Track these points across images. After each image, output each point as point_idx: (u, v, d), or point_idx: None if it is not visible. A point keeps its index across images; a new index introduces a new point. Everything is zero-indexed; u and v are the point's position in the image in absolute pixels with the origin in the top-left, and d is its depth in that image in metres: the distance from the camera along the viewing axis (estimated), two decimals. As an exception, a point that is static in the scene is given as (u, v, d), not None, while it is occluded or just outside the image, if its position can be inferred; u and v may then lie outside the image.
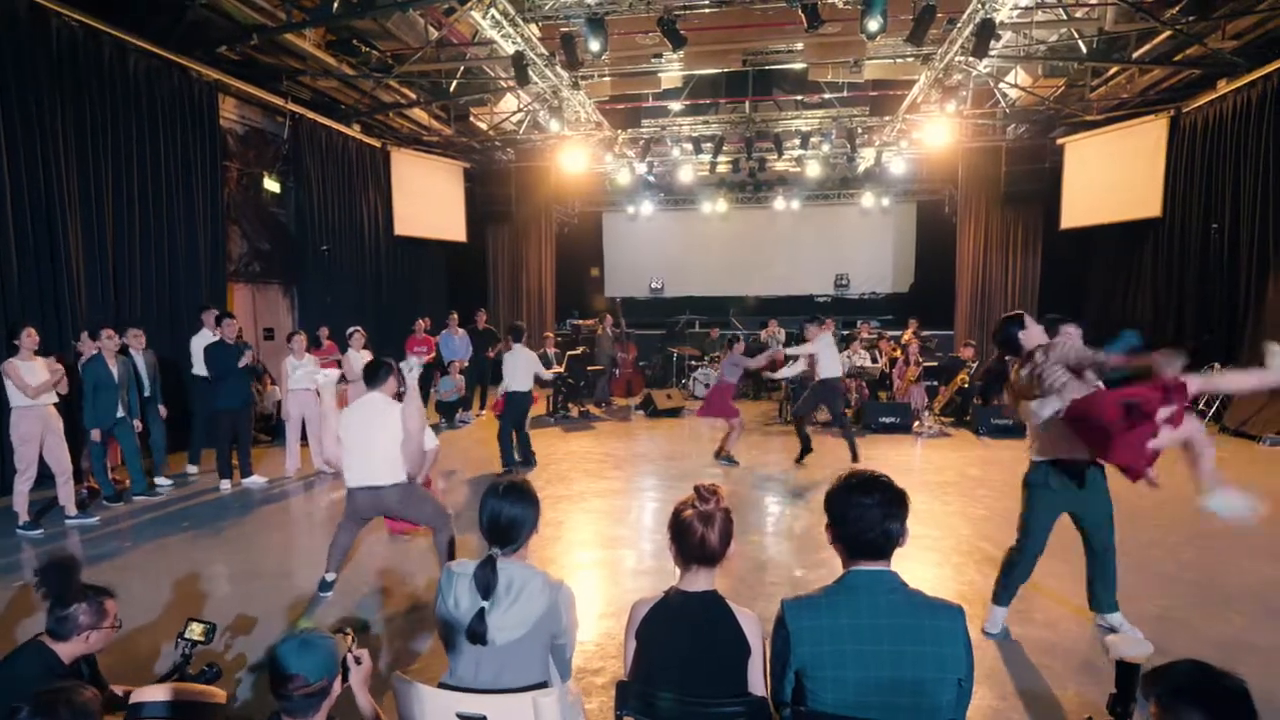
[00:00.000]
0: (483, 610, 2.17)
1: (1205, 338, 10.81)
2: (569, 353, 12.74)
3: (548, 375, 7.81)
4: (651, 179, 16.73)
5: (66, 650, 2.43)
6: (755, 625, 2.12)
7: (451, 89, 12.19)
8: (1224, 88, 10.42)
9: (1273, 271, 9.58)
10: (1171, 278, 11.68)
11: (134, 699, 2.42)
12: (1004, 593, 4.08)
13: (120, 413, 6.80)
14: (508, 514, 2.27)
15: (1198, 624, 4.14)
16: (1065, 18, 9.99)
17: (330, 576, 4.84)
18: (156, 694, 2.45)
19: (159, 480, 7.51)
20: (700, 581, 2.14)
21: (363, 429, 4.46)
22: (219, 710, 2.54)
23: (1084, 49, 10.46)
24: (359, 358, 8.61)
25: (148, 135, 8.53)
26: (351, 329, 8.94)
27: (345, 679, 2.04)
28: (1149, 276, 12.29)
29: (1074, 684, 3.55)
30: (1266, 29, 9.39)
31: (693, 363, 14.85)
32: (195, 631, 2.64)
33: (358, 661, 2.13)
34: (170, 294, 8.87)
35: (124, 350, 7.11)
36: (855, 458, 8.33)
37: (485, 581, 2.19)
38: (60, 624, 2.42)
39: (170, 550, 5.75)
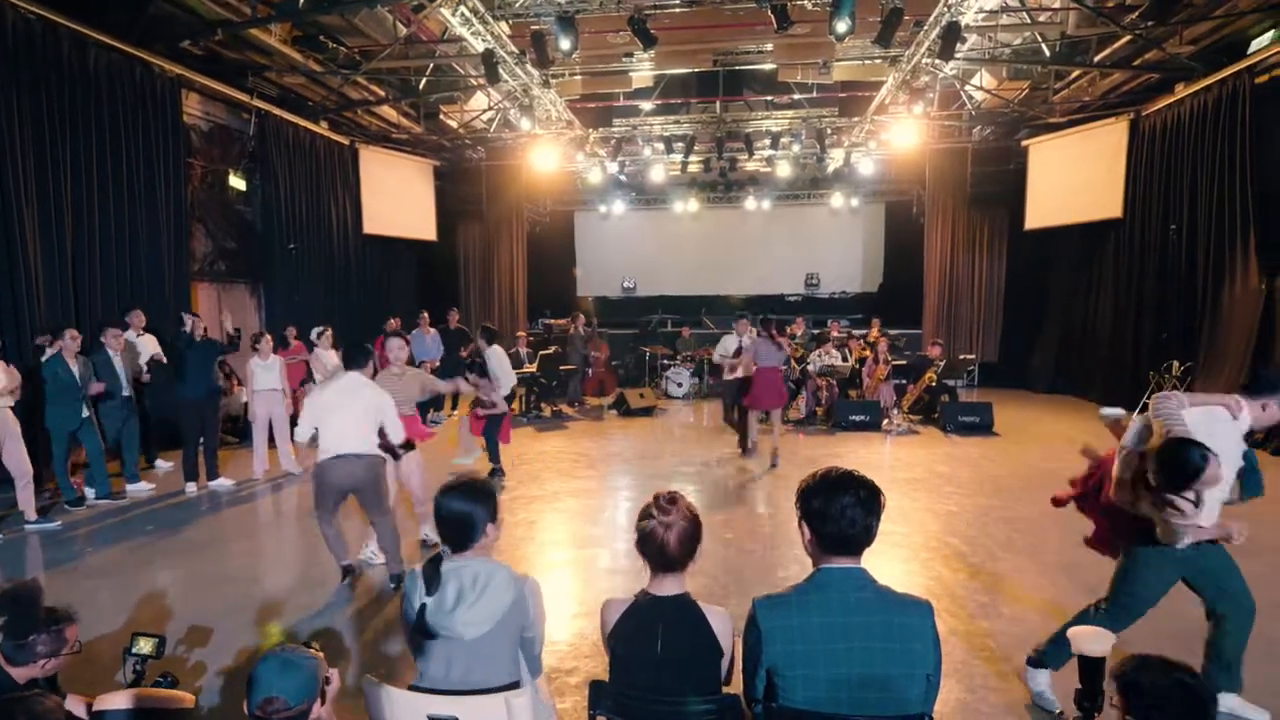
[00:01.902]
0: (424, 607, 2.19)
1: (1163, 337, 11.08)
2: (541, 352, 12.69)
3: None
4: (623, 178, 16.72)
5: (21, 673, 2.34)
6: (727, 624, 2.13)
7: (421, 86, 12.07)
8: (1181, 92, 10.68)
9: (1228, 273, 9.85)
10: (1131, 278, 11.95)
11: (97, 706, 2.37)
12: (1054, 657, 3.39)
13: (85, 413, 6.66)
14: (457, 512, 2.27)
15: (1155, 615, 4.23)
16: (1029, 21, 10.17)
17: (346, 562, 4.97)
18: (120, 701, 2.40)
19: (134, 486, 7.37)
20: (669, 586, 2.15)
21: (340, 401, 4.66)
22: (186, 715, 2.50)
23: (1047, 52, 10.66)
24: (327, 357, 8.51)
25: (108, 132, 8.33)
26: (320, 328, 8.84)
27: (324, 701, 1.95)
28: (1110, 277, 12.56)
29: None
30: (1222, 34, 9.65)
31: (665, 362, 14.88)
32: (144, 646, 2.55)
33: (327, 681, 2.10)
34: (132, 294, 8.66)
35: (85, 350, 6.95)
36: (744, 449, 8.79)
37: (429, 578, 2.22)
38: (17, 651, 2.32)
39: (134, 555, 5.63)
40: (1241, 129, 9.46)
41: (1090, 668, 1.98)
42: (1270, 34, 9.33)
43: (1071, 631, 2.08)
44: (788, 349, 9.07)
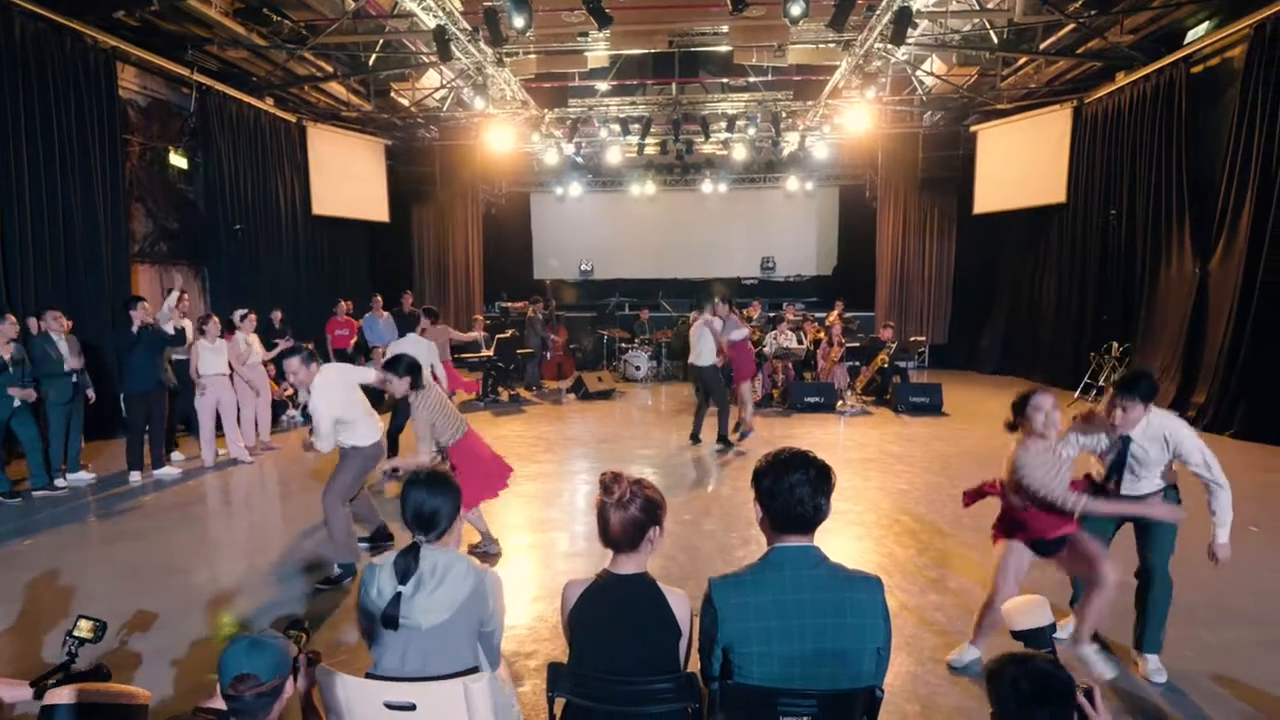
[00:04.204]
0: (398, 595, 2.17)
1: (1103, 319, 11.47)
2: (498, 335, 12.59)
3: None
4: (579, 160, 16.59)
5: None
6: (685, 605, 2.16)
7: (370, 63, 11.78)
8: (1122, 80, 11.00)
9: (1164, 257, 10.22)
10: (1075, 262, 12.31)
11: (47, 700, 2.30)
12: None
13: (17, 401, 6.41)
14: (429, 504, 2.30)
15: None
16: (978, 8, 10.35)
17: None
18: (66, 696, 2.33)
19: (77, 475, 7.11)
20: (628, 565, 2.16)
21: (359, 394, 5.00)
22: (141, 711, 2.43)
23: (995, 39, 10.87)
24: (250, 342, 8.29)
25: (37, 106, 7.95)
26: (242, 311, 8.58)
27: (297, 679, 2.01)
28: (1054, 260, 12.93)
29: (986, 650, 3.74)
30: (1160, 25, 9.95)
31: (623, 345, 14.90)
32: (84, 629, 2.50)
33: (311, 662, 2.09)
34: (68, 277, 8.34)
35: (23, 337, 6.69)
36: (722, 434, 8.48)
37: (404, 568, 2.21)
38: None
39: (75, 546, 5.46)
40: (1178, 118, 9.80)
41: (1031, 642, 1.96)
42: (1205, 25, 9.65)
43: (1005, 606, 2.09)
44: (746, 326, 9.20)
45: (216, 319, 7.97)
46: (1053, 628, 2.00)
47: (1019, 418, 3.42)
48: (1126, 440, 3.44)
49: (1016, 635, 1.99)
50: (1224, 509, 3.35)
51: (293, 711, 2.09)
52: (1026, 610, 2.00)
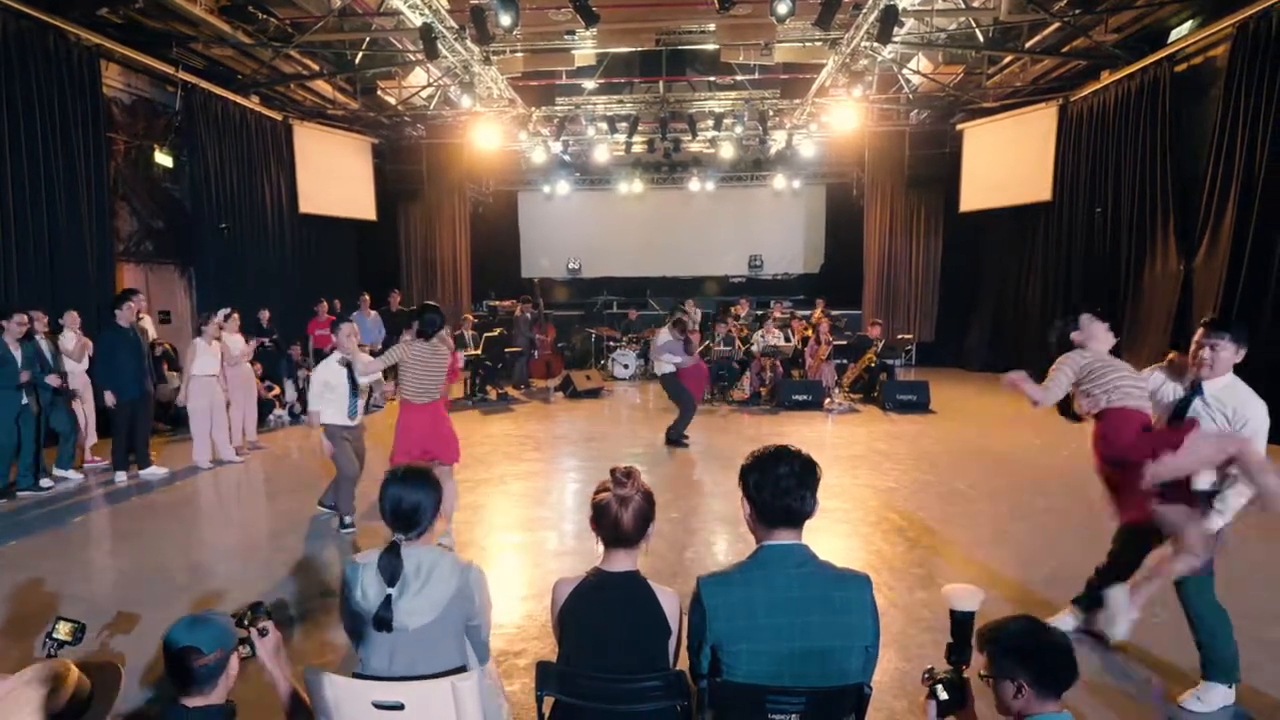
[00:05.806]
0: (389, 598, 2.15)
1: (1088, 316, 11.52)
2: (486, 334, 12.55)
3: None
4: (567, 158, 16.57)
5: None
6: (675, 603, 2.16)
7: (356, 61, 11.71)
8: (1107, 78, 11.08)
9: (1149, 255, 10.30)
10: (1060, 259, 12.40)
11: None
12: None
13: (25, 399, 6.45)
14: (409, 500, 2.26)
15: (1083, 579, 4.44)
16: (964, 6, 10.41)
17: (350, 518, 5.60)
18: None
19: (61, 473, 7.08)
20: (621, 562, 2.16)
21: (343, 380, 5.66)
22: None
23: (980, 38, 10.93)
24: (232, 341, 8.24)
25: (20, 104, 7.87)
26: (225, 310, 8.52)
27: (254, 653, 2.04)
28: (1040, 258, 13.00)
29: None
30: (1144, 24, 10.04)
31: (611, 344, 14.89)
32: (62, 631, 2.47)
33: (263, 634, 2.08)
34: (52, 275, 8.25)
35: (29, 336, 6.66)
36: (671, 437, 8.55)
37: (391, 569, 2.18)
38: None
39: (60, 547, 5.41)
40: (1162, 116, 9.88)
41: (959, 624, 2.04)
42: (1189, 24, 9.73)
43: (945, 589, 2.12)
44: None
45: (228, 319, 7.99)
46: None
47: (1077, 333, 3.23)
48: (1198, 388, 2.93)
49: (955, 614, 2.05)
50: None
51: (275, 711, 2.08)
52: (966, 596, 2.07)
